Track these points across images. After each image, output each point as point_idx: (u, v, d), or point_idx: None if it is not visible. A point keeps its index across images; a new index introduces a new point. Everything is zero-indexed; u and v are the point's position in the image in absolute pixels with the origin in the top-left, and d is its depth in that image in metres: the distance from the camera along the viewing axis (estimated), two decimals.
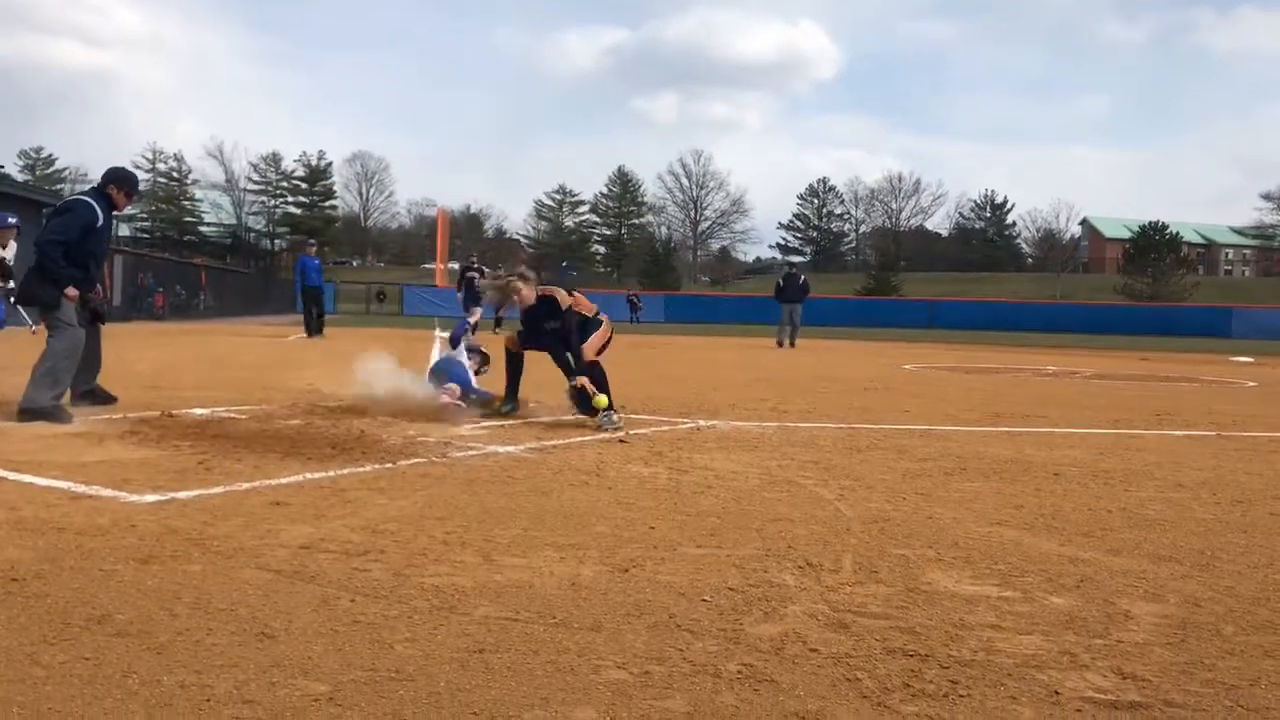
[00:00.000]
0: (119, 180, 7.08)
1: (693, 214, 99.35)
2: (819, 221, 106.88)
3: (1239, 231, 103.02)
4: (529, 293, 7.25)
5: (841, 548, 3.73)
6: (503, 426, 6.80)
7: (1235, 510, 4.67)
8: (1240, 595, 3.23)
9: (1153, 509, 4.61)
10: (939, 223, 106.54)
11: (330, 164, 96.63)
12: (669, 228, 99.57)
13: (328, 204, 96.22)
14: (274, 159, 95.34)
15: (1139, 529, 4.18)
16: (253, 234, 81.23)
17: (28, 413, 6.30)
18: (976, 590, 3.23)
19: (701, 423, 7.38)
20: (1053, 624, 2.90)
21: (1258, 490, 5.21)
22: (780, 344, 22.76)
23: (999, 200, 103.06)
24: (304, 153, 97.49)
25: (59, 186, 74.98)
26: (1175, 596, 3.21)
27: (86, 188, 7.70)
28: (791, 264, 24.94)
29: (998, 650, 2.67)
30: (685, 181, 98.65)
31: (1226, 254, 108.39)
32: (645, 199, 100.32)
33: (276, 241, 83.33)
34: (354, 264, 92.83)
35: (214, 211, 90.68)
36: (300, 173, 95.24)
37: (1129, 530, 4.15)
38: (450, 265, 54.65)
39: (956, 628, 2.85)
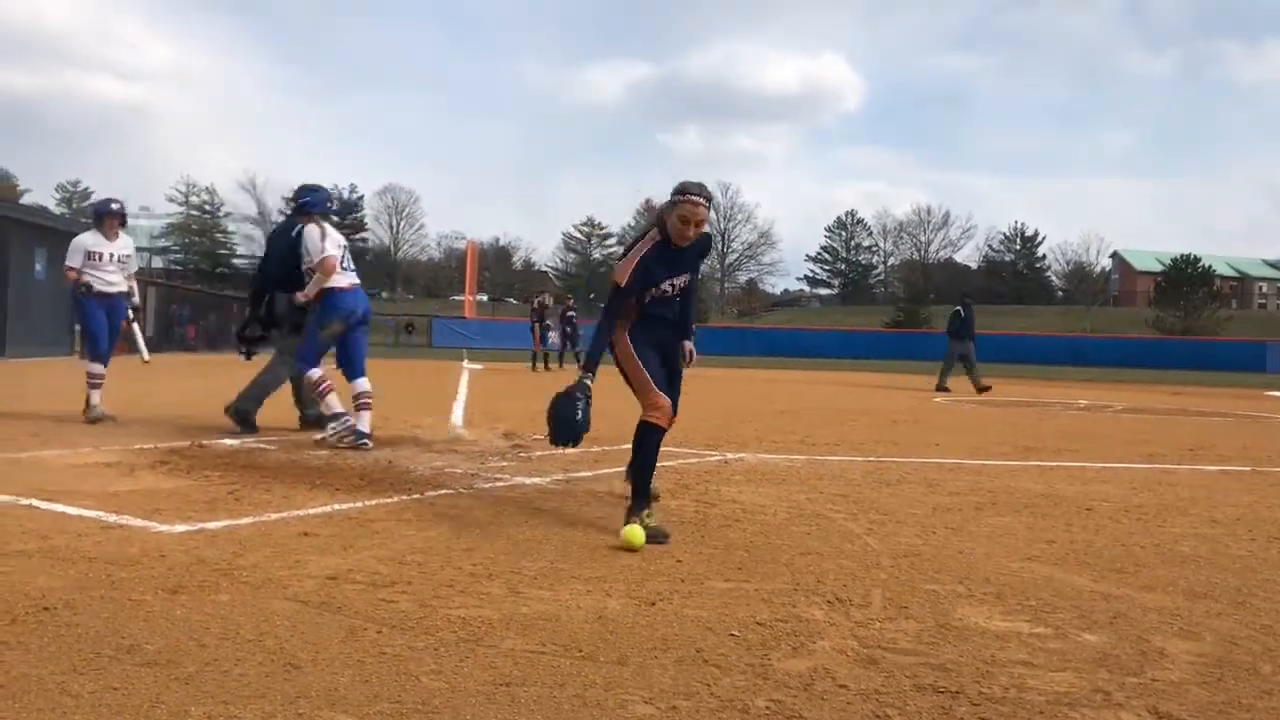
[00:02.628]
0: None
1: (720, 246, 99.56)
2: (847, 254, 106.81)
3: (1272, 264, 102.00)
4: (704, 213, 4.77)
5: (871, 583, 3.70)
6: (529, 458, 6.81)
7: (1272, 547, 4.60)
8: (1278, 634, 3.17)
9: (1186, 545, 4.54)
10: (968, 255, 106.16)
11: (362, 196, 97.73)
12: None
13: (358, 236, 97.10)
14: None
15: (1173, 565, 4.12)
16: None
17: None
18: (1008, 626, 3.19)
19: (729, 455, 7.35)
20: (1085, 661, 2.86)
21: None
22: (943, 387, 19.11)
23: (1029, 233, 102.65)
24: (335, 185, 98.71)
25: None
26: (1211, 634, 3.15)
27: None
28: (967, 294, 21.01)
29: (1029, 688, 2.63)
30: (712, 214, 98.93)
31: (1260, 287, 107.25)
32: None
33: None
34: (384, 296, 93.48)
35: (246, 244, 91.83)
36: (332, 205, 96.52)
37: (1163, 567, 4.09)
38: (479, 297, 54.92)
39: (987, 664, 2.81)
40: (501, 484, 5.66)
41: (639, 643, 2.92)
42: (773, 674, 2.70)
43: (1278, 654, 2.97)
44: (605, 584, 3.57)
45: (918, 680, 2.67)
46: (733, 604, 3.36)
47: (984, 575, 3.86)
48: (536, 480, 5.83)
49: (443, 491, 5.33)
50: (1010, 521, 5.02)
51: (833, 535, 4.55)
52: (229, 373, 18.31)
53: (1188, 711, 2.49)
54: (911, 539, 4.52)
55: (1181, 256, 79.35)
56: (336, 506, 4.81)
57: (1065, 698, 2.56)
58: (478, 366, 21.57)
